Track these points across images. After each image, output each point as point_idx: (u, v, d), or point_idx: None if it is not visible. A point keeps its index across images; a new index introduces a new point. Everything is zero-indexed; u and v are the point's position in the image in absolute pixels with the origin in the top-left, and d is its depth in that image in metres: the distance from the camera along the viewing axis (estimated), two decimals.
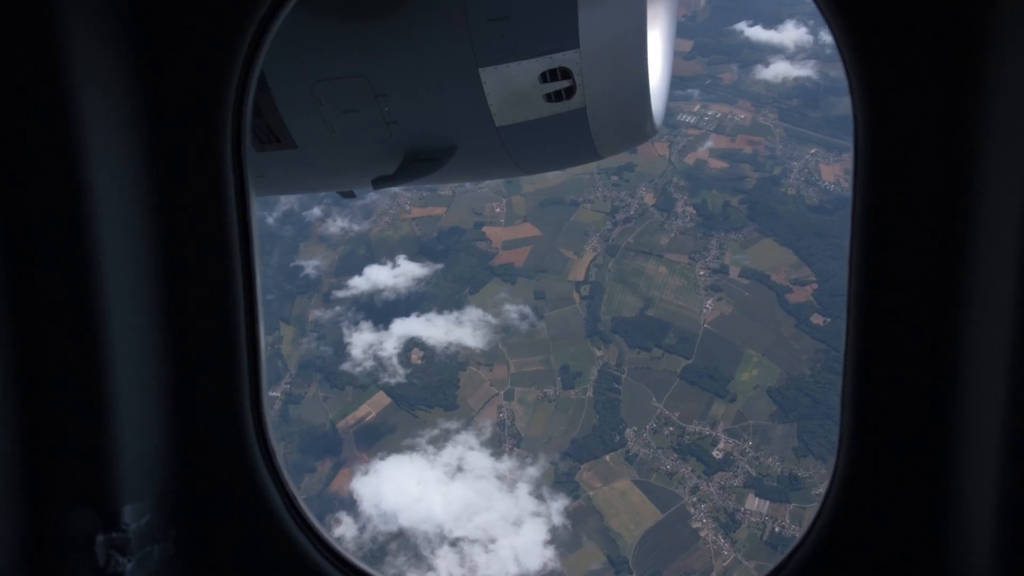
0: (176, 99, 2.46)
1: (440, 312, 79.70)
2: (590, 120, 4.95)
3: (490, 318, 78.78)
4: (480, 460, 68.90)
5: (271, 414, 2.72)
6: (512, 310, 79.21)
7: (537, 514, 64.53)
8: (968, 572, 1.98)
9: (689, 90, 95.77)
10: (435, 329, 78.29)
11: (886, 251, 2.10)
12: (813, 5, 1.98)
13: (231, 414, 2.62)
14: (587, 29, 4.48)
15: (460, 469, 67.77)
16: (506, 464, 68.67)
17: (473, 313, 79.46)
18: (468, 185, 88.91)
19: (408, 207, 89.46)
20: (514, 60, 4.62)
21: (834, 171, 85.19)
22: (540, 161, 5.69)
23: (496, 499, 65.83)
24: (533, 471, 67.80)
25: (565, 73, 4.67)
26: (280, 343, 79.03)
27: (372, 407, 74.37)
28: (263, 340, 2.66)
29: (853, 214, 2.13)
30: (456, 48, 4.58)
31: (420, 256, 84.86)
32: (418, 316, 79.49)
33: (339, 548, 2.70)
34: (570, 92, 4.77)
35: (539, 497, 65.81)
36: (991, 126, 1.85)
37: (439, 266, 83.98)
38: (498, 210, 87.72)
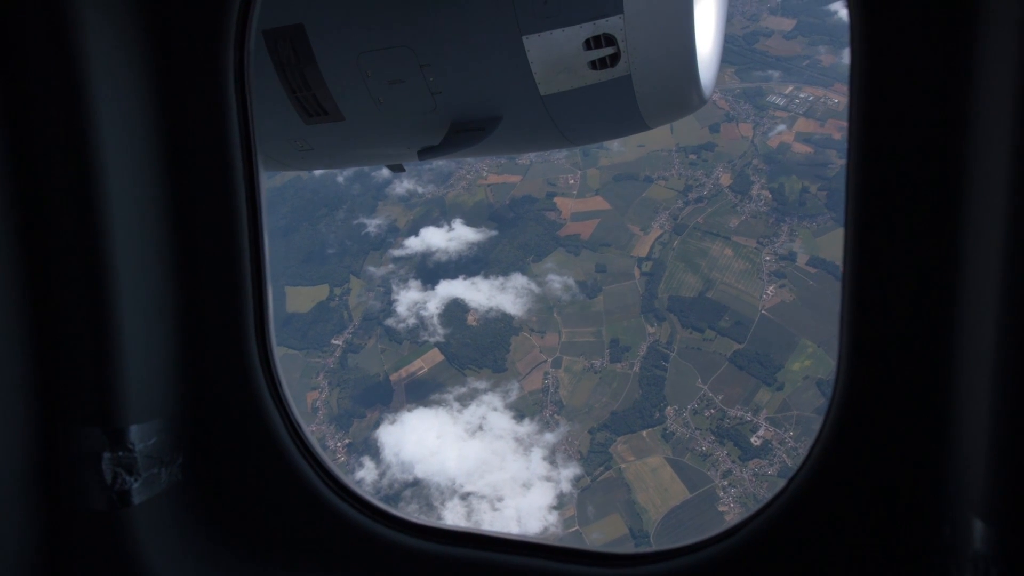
0: (180, 21, 2.51)
1: (500, 276, 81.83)
2: (635, 87, 4.89)
3: (551, 286, 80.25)
4: (505, 422, 71.14)
5: (280, 356, 2.75)
6: (571, 281, 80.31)
7: (548, 479, 66.16)
8: (965, 490, 2.01)
9: (783, 70, 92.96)
10: (498, 294, 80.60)
11: (882, 162, 2.07)
12: None
13: (235, 338, 2.66)
14: None
15: (481, 428, 70.22)
16: (531, 428, 70.55)
17: (532, 281, 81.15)
18: (545, 155, 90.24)
19: (485, 173, 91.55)
20: (558, 27, 4.61)
21: None
22: (586, 131, 5.59)
23: (514, 460, 67.91)
24: (551, 437, 69.39)
25: (609, 40, 4.65)
26: (348, 295, 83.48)
27: (425, 363, 77.63)
28: (267, 263, 2.67)
29: (850, 128, 2.11)
30: (499, 16, 4.59)
31: (490, 221, 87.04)
32: (474, 279, 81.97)
33: (340, 475, 2.74)
34: (615, 59, 4.73)
35: (552, 463, 67.36)
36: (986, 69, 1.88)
37: (494, 232, 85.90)
38: (572, 182, 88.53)
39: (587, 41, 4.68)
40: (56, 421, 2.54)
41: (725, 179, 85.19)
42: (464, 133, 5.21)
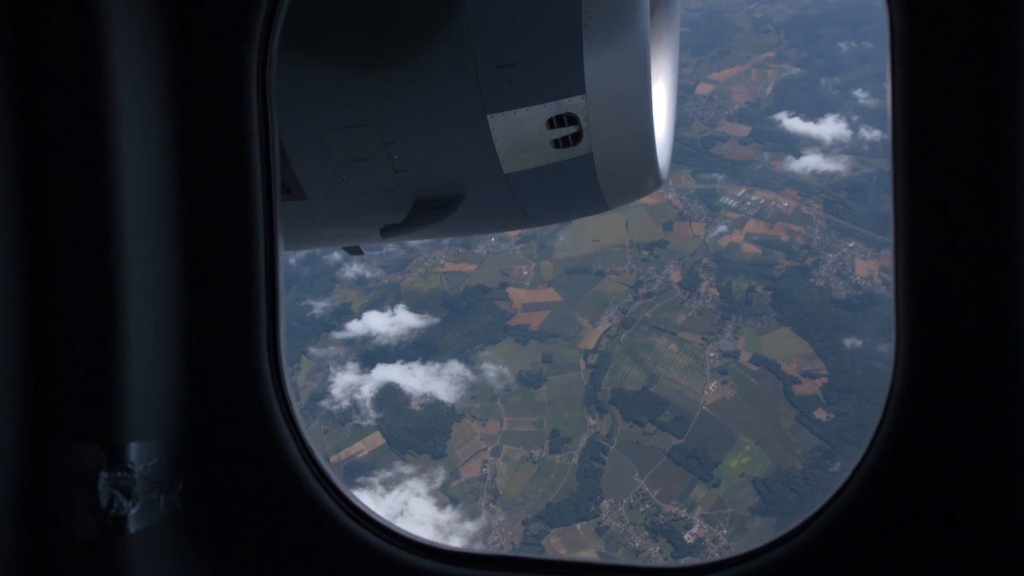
0: (203, 23, 2.45)
1: (436, 363, 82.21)
2: (597, 166, 4.99)
3: (487, 374, 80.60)
4: (427, 508, 70.24)
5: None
6: (507, 370, 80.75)
7: None
8: None
9: (736, 174, 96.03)
10: (433, 380, 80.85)
11: (930, 138, 2.00)
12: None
13: (247, 356, 2.50)
14: (593, 75, 4.58)
15: (402, 514, 69.23)
16: (452, 516, 69.63)
17: (468, 369, 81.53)
18: (502, 246, 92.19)
19: (442, 261, 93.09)
20: (522, 106, 4.69)
21: (869, 267, 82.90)
22: (549, 210, 5.66)
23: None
24: (471, 526, 68.40)
25: (572, 119, 4.75)
26: (297, 375, 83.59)
27: (366, 446, 77.12)
28: (282, 281, 2.56)
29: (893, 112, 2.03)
30: (465, 95, 4.65)
31: (441, 309, 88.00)
32: (411, 364, 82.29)
33: (357, 501, 2.58)
34: (577, 138, 4.83)
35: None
36: None
37: (436, 320, 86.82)
38: (526, 272, 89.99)
39: (550, 120, 4.77)
40: (44, 435, 2.29)
41: (675, 276, 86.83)
42: (428, 211, 5.21)
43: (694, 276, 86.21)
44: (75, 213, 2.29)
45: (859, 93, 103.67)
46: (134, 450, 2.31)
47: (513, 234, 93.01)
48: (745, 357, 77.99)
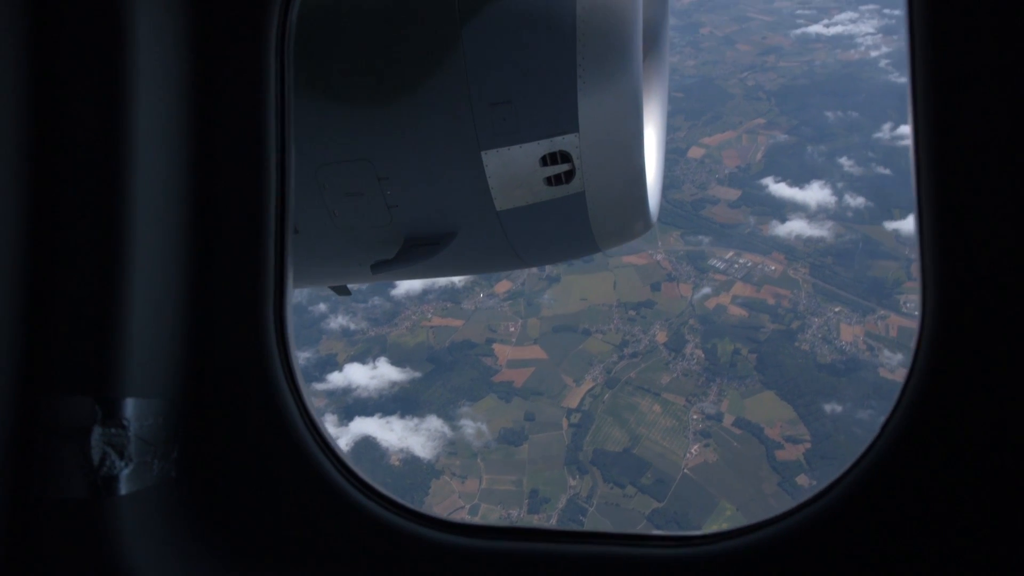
0: (222, 13, 2.43)
1: (415, 417, 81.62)
2: (589, 205, 5.01)
3: (465, 431, 79.94)
4: None
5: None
6: (498, 427, 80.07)
7: None
8: None
9: (725, 236, 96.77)
10: (411, 435, 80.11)
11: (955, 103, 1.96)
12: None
13: (253, 323, 2.43)
14: (586, 114, 4.63)
15: None
16: None
17: (446, 425, 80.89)
18: (490, 302, 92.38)
19: (429, 315, 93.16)
20: (516, 143, 4.71)
21: (854, 332, 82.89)
22: (540, 249, 5.64)
23: None
24: None
25: (565, 157, 4.77)
26: None
27: None
28: (290, 251, 2.51)
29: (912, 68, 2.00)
30: (459, 131, 4.67)
31: (426, 363, 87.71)
32: (389, 418, 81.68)
33: (360, 471, 2.52)
34: (569, 176, 4.85)
35: None
36: None
37: (417, 374, 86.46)
38: (512, 329, 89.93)
39: (543, 157, 4.79)
40: (36, 388, 2.20)
41: (661, 336, 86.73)
42: (419, 248, 5.20)
43: (680, 337, 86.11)
44: (86, 170, 2.25)
45: (844, 161, 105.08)
46: (130, 406, 2.23)
47: (501, 290, 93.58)
48: (728, 420, 77.39)
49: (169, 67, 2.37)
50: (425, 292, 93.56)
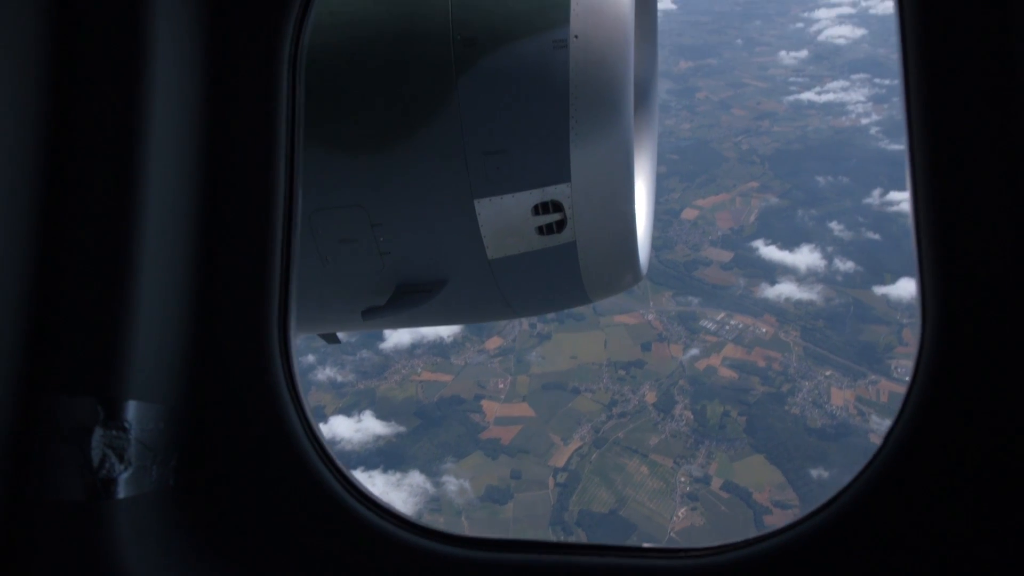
0: (237, 16, 2.48)
1: (397, 472, 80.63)
2: (580, 255, 5.07)
3: (447, 487, 78.94)
4: None
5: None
6: (484, 484, 79.08)
7: None
8: None
9: (717, 298, 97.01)
10: (392, 491, 79.06)
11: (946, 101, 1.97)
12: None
13: (257, 332, 2.44)
14: (578, 164, 4.70)
15: None
16: None
17: (428, 481, 79.92)
18: (480, 358, 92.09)
19: (419, 369, 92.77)
20: (509, 192, 4.76)
21: (845, 396, 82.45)
22: (530, 299, 5.65)
23: None
24: None
25: (557, 206, 4.83)
26: None
27: None
28: (296, 261, 2.54)
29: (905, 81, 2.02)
30: (453, 179, 4.72)
31: (413, 418, 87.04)
32: (371, 472, 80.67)
33: (361, 484, 2.52)
34: (561, 225, 4.90)
35: None
36: None
37: (402, 428, 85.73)
38: (501, 386, 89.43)
39: (536, 207, 4.84)
40: (34, 385, 2.18)
41: (650, 397, 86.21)
42: (410, 295, 5.22)
43: (669, 398, 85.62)
44: (98, 173, 2.26)
45: (834, 225, 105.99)
46: (132, 408, 2.22)
47: (492, 346, 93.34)
48: (716, 483, 76.41)
49: (184, 85, 2.41)
50: (414, 346, 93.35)
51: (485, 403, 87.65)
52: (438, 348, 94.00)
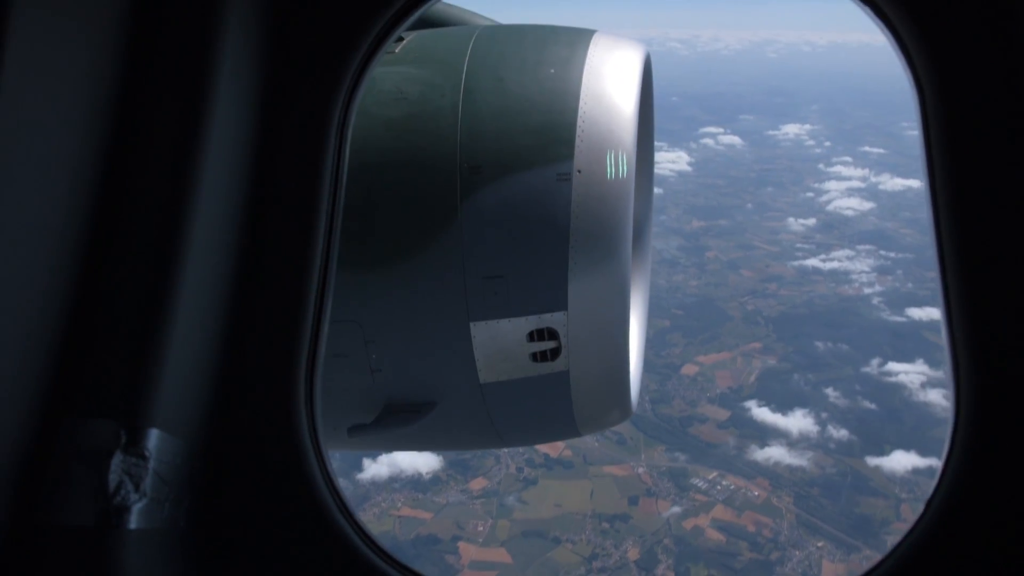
0: (299, 50, 2.52)
1: None
2: (572, 385, 5.07)
3: None
4: None
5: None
6: None
7: None
8: None
9: (710, 457, 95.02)
10: None
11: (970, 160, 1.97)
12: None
13: (284, 378, 2.47)
14: (575, 294, 4.75)
15: None
16: None
17: None
18: (462, 497, 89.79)
19: (399, 504, 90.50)
20: (505, 317, 4.79)
21: (837, 570, 78.70)
22: (520, 428, 5.61)
23: None
24: None
25: (552, 334, 4.85)
26: None
27: None
28: (329, 306, 2.58)
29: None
30: (450, 300, 4.76)
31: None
32: None
33: (382, 543, 2.51)
34: (555, 354, 4.92)
35: None
36: None
37: None
38: (480, 528, 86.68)
39: (531, 333, 4.86)
40: (61, 406, 2.17)
41: (633, 553, 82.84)
42: (398, 414, 5.17)
43: (652, 556, 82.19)
44: (151, 205, 2.30)
45: (830, 392, 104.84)
46: (154, 438, 2.21)
47: (476, 487, 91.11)
48: None
49: (239, 127, 2.47)
50: (392, 479, 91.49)
51: (462, 545, 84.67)
52: (418, 484, 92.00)
